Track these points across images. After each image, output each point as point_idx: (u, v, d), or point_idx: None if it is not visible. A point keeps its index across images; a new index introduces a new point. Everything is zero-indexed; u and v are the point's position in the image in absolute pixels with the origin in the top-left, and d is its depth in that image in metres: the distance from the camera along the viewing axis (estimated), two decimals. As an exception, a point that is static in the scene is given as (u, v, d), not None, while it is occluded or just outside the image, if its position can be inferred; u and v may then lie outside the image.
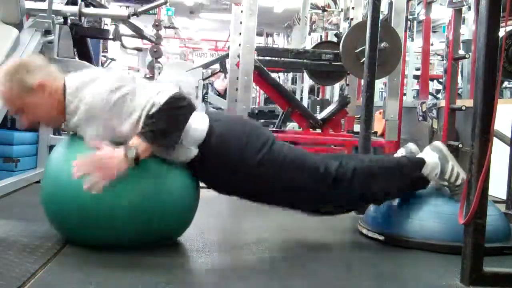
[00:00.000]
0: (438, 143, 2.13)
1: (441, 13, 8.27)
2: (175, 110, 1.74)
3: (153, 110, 1.71)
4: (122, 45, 6.21)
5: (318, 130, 4.45)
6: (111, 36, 4.43)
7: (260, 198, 2.03)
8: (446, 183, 2.09)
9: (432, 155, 2.09)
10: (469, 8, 5.15)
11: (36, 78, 1.79)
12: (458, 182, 2.05)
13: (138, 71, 12.55)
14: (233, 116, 2.08)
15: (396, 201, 2.18)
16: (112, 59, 9.12)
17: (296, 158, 1.97)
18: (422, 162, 2.07)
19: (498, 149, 2.02)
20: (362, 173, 1.99)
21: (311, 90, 7.71)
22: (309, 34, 6.76)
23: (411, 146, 2.20)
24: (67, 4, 3.22)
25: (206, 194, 2.02)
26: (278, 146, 1.97)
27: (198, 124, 1.87)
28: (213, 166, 1.89)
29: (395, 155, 2.21)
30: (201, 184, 2.00)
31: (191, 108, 1.78)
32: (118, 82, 1.78)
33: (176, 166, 1.86)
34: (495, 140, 1.80)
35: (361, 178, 1.99)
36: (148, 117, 1.71)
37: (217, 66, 8.19)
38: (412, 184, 2.10)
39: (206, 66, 8.34)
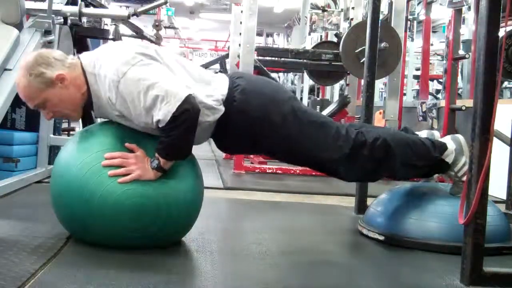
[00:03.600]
0: (459, 136, 2.13)
1: (441, 13, 8.27)
2: (180, 128, 1.72)
3: (159, 125, 1.72)
4: (122, 45, 6.19)
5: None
6: (111, 36, 4.42)
7: (284, 157, 2.06)
8: (453, 174, 2.09)
9: (450, 144, 2.09)
10: (469, 8, 5.14)
11: (55, 71, 1.79)
12: (464, 178, 2.04)
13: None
14: (254, 75, 2.11)
15: (396, 201, 2.19)
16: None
17: (318, 117, 2.02)
18: (444, 146, 2.08)
19: (498, 149, 2.03)
20: (384, 142, 1.98)
21: (311, 90, 7.70)
22: (309, 34, 6.75)
23: (434, 132, 2.20)
24: (67, 4, 3.21)
25: (206, 195, 2.02)
26: (300, 104, 2.02)
27: (218, 82, 1.91)
28: (239, 125, 1.89)
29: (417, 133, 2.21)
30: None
31: (194, 118, 1.75)
32: (135, 57, 1.76)
33: (204, 136, 1.92)
34: (495, 140, 1.80)
35: (382, 148, 1.98)
36: (160, 131, 1.74)
37: (217, 66, 8.19)
38: (431, 165, 2.09)
39: (206, 66, 8.34)
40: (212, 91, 1.87)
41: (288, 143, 1.94)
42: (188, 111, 1.70)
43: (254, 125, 1.89)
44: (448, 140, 2.12)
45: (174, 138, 1.73)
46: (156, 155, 1.76)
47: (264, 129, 1.90)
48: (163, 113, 1.69)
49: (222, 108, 1.86)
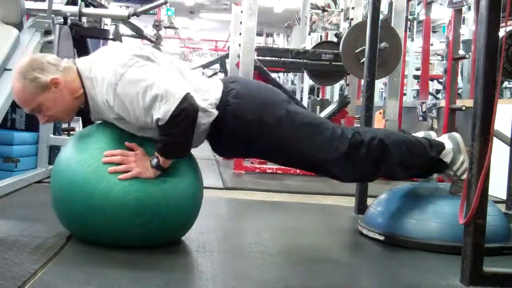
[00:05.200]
0: (456, 134, 2.13)
1: (441, 13, 8.28)
2: (179, 127, 1.72)
3: (159, 123, 1.72)
4: (122, 45, 6.19)
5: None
6: (111, 36, 4.43)
7: (280, 160, 2.07)
8: (451, 173, 2.09)
9: (447, 143, 2.09)
10: (469, 8, 5.15)
11: (49, 75, 1.79)
12: (464, 177, 2.03)
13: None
14: (248, 79, 2.11)
15: (396, 201, 2.19)
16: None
17: (314, 119, 2.01)
18: (441, 146, 2.08)
19: (498, 149, 2.03)
20: (380, 142, 1.98)
21: (311, 90, 7.71)
22: (309, 34, 6.76)
23: (430, 132, 2.20)
24: (67, 4, 3.21)
25: (206, 195, 2.02)
26: (294, 106, 1.99)
27: (212, 86, 1.90)
28: (233, 128, 1.89)
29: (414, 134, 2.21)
30: (203, 184, 2.00)
31: (193, 116, 1.75)
32: (132, 59, 1.76)
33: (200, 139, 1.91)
34: (495, 140, 1.81)
35: (379, 147, 1.97)
36: (160, 129, 1.74)
37: (217, 66, 8.18)
38: (429, 165, 2.09)
39: (206, 66, 8.35)
40: (206, 95, 1.87)
41: (283, 144, 1.93)
42: (187, 109, 1.71)
43: (249, 129, 1.89)
44: (445, 139, 2.11)
45: (173, 136, 1.73)
46: (156, 153, 1.76)
47: (259, 132, 1.90)
48: (163, 111, 1.69)
49: (215, 112, 1.86)
